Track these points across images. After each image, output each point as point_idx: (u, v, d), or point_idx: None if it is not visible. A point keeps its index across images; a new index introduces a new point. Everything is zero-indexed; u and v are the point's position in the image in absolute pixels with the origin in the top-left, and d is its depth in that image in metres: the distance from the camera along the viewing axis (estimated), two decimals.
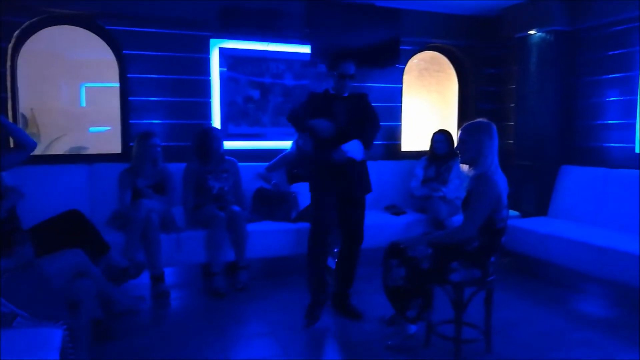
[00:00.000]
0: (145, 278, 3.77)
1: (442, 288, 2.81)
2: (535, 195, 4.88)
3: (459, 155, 2.82)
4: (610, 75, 4.51)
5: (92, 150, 5.09)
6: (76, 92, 6.58)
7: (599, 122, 4.63)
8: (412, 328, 2.94)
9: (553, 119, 4.79)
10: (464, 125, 2.85)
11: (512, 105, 5.31)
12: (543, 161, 4.85)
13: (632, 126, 4.33)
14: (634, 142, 4.32)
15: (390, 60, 5.16)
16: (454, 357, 2.77)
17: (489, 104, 5.64)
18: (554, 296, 3.88)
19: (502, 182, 2.69)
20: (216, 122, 4.70)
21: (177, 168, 4.18)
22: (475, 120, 2.83)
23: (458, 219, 4.04)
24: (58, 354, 1.88)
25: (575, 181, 4.58)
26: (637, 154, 4.28)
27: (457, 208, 4.44)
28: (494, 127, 2.77)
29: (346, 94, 3.30)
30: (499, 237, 2.74)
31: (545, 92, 4.81)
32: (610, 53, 4.48)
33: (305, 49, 4.85)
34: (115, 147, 4.58)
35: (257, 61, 4.79)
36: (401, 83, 5.35)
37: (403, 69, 5.34)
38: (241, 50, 4.73)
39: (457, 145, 2.83)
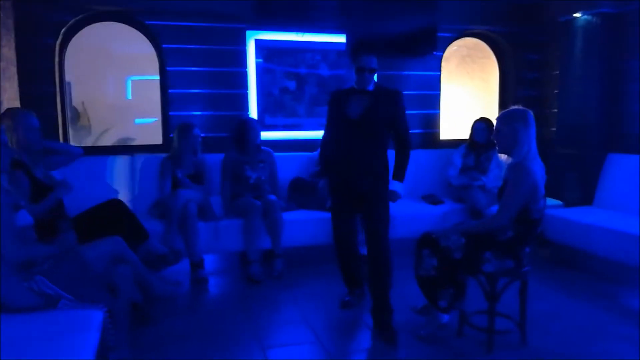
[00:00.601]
0: (185, 265, 3.91)
1: (475, 278, 2.78)
2: (580, 184, 4.71)
3: (496, 144, 2.77)
4: None
5: (139, 141, 5.29)
6: (122, 85, 6.84)
7: None
8: (444, 318, 2.93)
9: (598, 105, 4.60)
10: (499, 114, 2.80)
11: (555, 91, 5.13)
12: (588, 149, 4.67)
13: None
14: None
15: (427, 48, 5.07)
16: (486, 347, 2.75)
17: (530, 90, 5.46)
18: (596, 289, 3.76)
19: (539, 171, 2.63)
20: (253, 113, 4.77)
21: (215, 158, 4.29)
22: (511, 108, 2.77)
23: (497, 208, 3.97)
24: (99, 334, 1.99)
25: (622, 170, 4.39)
26: None
27: (496, 198, 4.34)
28: (530, 114, 2.69)
29: (370, 88, 3.07)
30: (535, 227, 2.68)
31: (590, 77, 4.62)
32: None
33: (341, 39, 4.84)
34: (160, 138, 4.73)
35: (293, 52, 4.82)
36: (439, 70, 5.26)
37: (441, 56, 5.25)
38: (276, 42, 4.78)
39: (494, 134, 2.78)
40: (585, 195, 4.64)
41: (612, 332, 3.00)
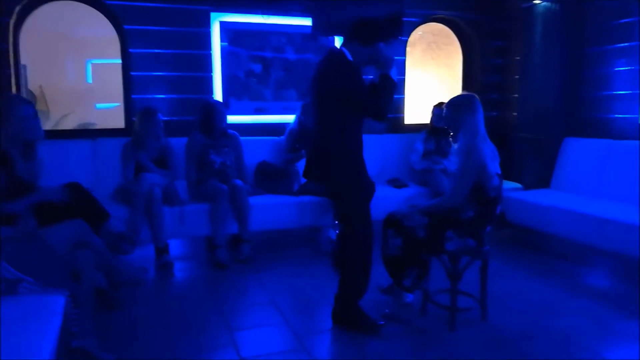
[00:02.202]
0: (149, 250, 3.86)
1: (437, 258, 2.85)
2: (539, 168, 4.86)
3: (449, 130, 2.87)
4: (616, 45, 4.44)
5: (100, 126, 5.15)
6: (82, 69, 6.63)
7: (604, 93, 4.58)
8: (409, 297, 3.00)
9: (557, 90, 4.74)
10: (447, 101, 2.90)
11: (517, 77, 5.26)
12: (547, 133, 4.81)
13: (637, 97, 4.28)
14: (637, 113, 4.27)
15: (393, 32, 5.09)
16: (449, 325, 2.83)
17: (494, 76, 5.58)
18: (554, 268, 3.92)
19: (488, 151, 2.71)
20: (218, 96, 4.72)
21: (178, 142, 4.22)
22: (457, 95, 2.90)
23: None
24: (61, 319, 1.95)
25: (578, 153, 4.56)
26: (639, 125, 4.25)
27: None
28: (476, 99, 2.81)
29: None
30: (494, 206, 2.77)
31: (549, 64, 4.74)
32: (616, 22, 4.40)
33: (307, 22, 4.81)
34: (122, 123, 4.62)
35: (258, 35, 4.77)
36: (404, 55, 5.31)
37: (406, 41, 5.29)
38: (242, 24, 4.72)
39: (444, 120, 2.89)
40: (543, 178, 4.80)
41: (569, 308, 3.14)
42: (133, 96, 4.47)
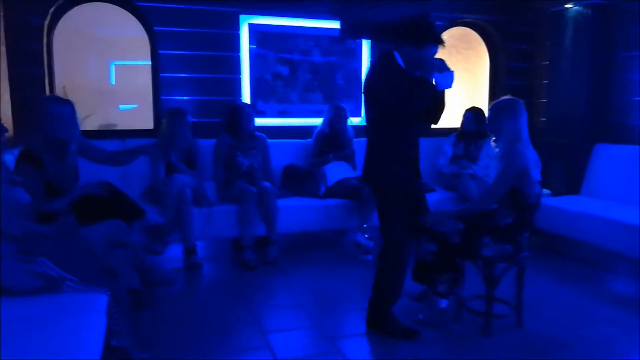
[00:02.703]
0: (178, 251, 3.88)
1: (473, 263, 2.82)
2: (568, 174, 4.80)
3: (490, 133, 2.83)
4: None
5: (121, 126, 5.19)
6: (106, 70, 6.70)
7: (635, 98, 4.51)
8: (443, 302, 2.97)
9: (587, 95, 4.68)
10: (490, 104, 2.86)
11: (544, 82, 5.20)
12: (576, 139, 4.75)
13: None
14: None
15: (437, 35, 5.07)
16: (483, 331, 2.80)
17: (519, 80, 5.52)
18: (584, 275, 3.86)
19: (531, 157, 2.67)
20: (245, 98, 4.73)
21: (206, 144, 4.24)
22: (500, 99, 2.84)
23: None
24: (105, 318, 1.97)
25: (609, 159, 4.49)
26: None
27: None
28: (520, 103, 2.75)
29: None
30: (532, 212, 2.73)
31: (579, 68, 4.69)
32: None
33: (334, 25, 4.81)
34: (143, 124, 4.66)
35: (286, 37, 4.78)
36: None
37: None
38: (270, 26, 4.73)
39: (487, 123, 2.84)
40: (572, 185, 4.73)
41: (602, 316, 3.09)
42: (162, 97, 4.50)
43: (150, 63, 4.52)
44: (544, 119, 5.11)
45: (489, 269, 2.76)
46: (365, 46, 5.06)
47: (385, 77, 2.64)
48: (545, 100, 5.13)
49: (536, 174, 2.68)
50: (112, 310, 2.11)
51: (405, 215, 2.74)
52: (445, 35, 5.44)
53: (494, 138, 2.79)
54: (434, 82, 2.64)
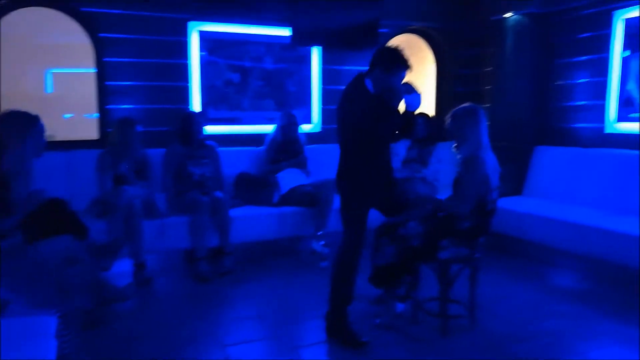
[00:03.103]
0: (127, 265, 3.74)
1: (428, 266, 2.88)
2: (511, 176, 4.99)
3: (451, 139, 2.90)
4: (581, 58, 4.64)
5: (60, 137, 4.95)
6: (42, 78, 6.39)
7: (571, 103, 4.77)
8: (400, 306, 3.01)
9: (528, 100, 4.91)
10: (451, 111, 2.93)
11: (489, 87, 5.41)
12: (518, 142, 4.96)
13: (602, 107, 4.48)
14: (603, 123, 4.47)
15: (369, 43, 5.16)
16: (441, 332, 2.86)
17: (466, 86, 5.72)
18: (531, 272, 4.03)
19: (491, 163, 2.77)
20: (195, 106, 4.63)
21: (156, 154, 4.12)
22: (461, 106, 2.91)
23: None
24: (55, 342, 1.86)
25: (549, 161, 4.72)
26: (606, 134, 4.44)
27: (436, 190, 4.55)
28: (480, 110, 2.85)
29: None
30: (490, 217, 2.83)
31: (521, 74, 4.91)
32: (582, 36, 4.61)
33: (286, 32, 4.80)
34: (85, 134, 4.46)
35: (237, 44, 4.73)
36: None
37: None
38: (220, 34, 4.66)
39: (448, 131, 2.91)
40: (515, 186, 4.94)
41: (550, 311, 3.24)
42: (107, 106, 4.33)
43: (94, 70, 4.35)
44: (489, 123, 5.29)
45: (445, 271, 2.83)
46: (316, 53, 5.08)
47: (355, 102, 2.72)
48: (489, 105, 5.33)
49: (495, 180, 2.77)
50: (63, 332, 2.00)
51: (364, 222, 2.77)
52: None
53: (455, 144, 2.86)
54: (403, 104, 2.73)
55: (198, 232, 3.88)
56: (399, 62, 2.70)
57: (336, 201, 4.14)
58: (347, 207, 2.80)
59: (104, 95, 4.33)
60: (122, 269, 3.74)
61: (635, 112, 4.25)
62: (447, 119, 2.93)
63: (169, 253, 4.37)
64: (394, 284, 2.88)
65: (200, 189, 4.06)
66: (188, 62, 4.56)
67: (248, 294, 3.56)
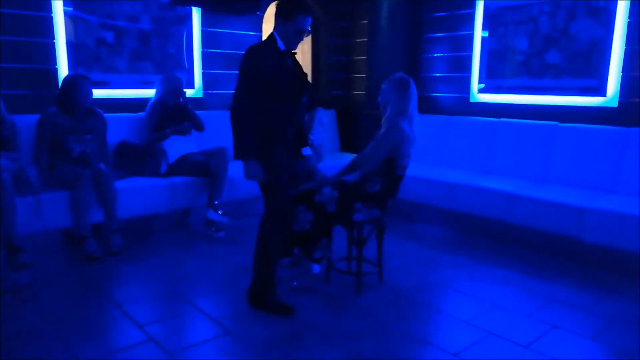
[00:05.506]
0: None
1: (345, 228, 3.02)
2: None
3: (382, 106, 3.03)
4: (450, 34, 5.13)
5: None
6: None
7: (435, 74, 5.28)
8: (316, 268, 3.12)
9: (399, 70, 5.26)
10: (388, 78, 3.07)
11: (363, 57, 5.68)
12: None
13: (468, 79, 5.04)
14: (468, 93, 5.04)
15: (249, 8, 5.04)
16: (356, 289, 3.05)
17: (341, 56, 5.92)
18: (412, 230, 4.45)
19: (409, 132, 2.96)
20: (63, 66, 4.09)
21: (22, 120, 3.59)
22: (393, 75, 3.07)
23: (322, 165, 4.34)
24: None
25: (421, 128, 5.16)
26: (471, 103, 5.02)
27: (321, 157, 4.75)
28: (410, 81, 3.01)
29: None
30: (398, 182, 3.04)
31: (393, 46, 5.24)
32: (448, 13, 5.08)
33: None
34: None
35: (108, 1, 4.23)
36: (260, 31, 5.29)
37: (262, 17, 5.28)
38: None
39: (379, 97, 3.07)
40: None
41: (440, 262, 3.64)
42: None
43: None
44: (364, 93, 5.61)
45: (359, 233, 3.00)
46: (196, 14, 4.81)
47: (255, 53, 2.61)
48: (364, 75, 5.62)
49: (408, 148, 2.97)
50: None
51: (284, 187, 2.76)
52: (272, 8, 5.53)
53: (381, 107, 3.00)
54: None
55: (79, 208, 3.52)
56: (299, 8, 2.62)
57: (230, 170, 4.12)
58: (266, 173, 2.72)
59: None
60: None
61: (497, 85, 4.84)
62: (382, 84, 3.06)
63: (49, 233, 3.86)
64: (312, 247, 2.96)
65: (80, 164, 3.65)
66: (51, 15, 3.98)
67: (149, 272, 3.36)
